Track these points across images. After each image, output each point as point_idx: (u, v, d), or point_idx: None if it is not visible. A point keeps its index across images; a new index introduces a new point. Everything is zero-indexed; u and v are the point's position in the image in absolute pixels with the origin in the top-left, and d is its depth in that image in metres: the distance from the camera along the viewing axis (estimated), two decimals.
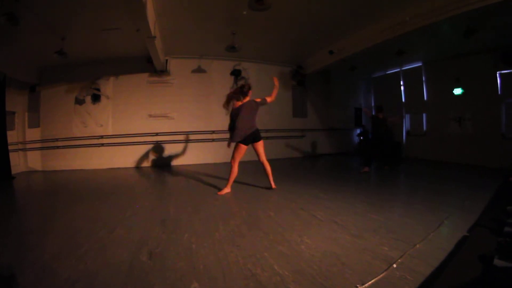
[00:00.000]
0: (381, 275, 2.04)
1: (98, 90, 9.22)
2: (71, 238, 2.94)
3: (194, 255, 2.46)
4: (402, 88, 11.11)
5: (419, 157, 10.11)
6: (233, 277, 2.07)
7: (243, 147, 4.81)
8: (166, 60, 9.23)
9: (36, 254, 2.57)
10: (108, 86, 9.28)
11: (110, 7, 5.65)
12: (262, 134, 10.23)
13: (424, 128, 10.32)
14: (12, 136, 8.33)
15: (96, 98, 9.23)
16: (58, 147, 9.08)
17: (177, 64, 9.56)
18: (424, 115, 10.32)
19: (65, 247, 2.71)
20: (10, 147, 7.81)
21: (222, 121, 9.87)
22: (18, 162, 8.64)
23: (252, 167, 7.32)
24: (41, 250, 2.66)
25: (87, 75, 9.14)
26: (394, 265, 2.17)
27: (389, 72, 11.72)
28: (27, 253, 2.60)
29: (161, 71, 9.23)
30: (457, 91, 8.91)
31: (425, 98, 10.20)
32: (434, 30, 6.55)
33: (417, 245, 2.54)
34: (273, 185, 5.10)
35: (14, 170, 7.87)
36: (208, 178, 6.66)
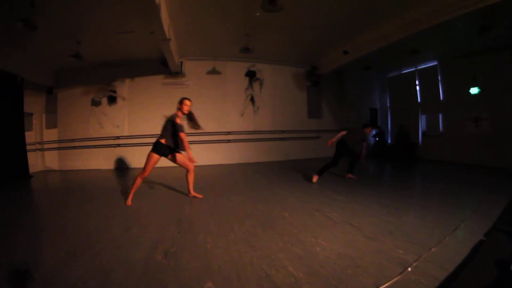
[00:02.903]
0: (395, 279, 2.03)
1: (114, 92, 9.40)
2: (87, 236, 3.02)
3: (209, 255, 2.49)
4: (417, 87, 10.93)
5: (435, 158, 9.91)
6: (248, 278, 2.09)
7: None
8: (181, 62, 9.33)
9: (51, 251, 2.66)
10: (124, 88, 9.45)
11: (124, 10, 5.76)
12: (277, 135, 10.30)
13: (440, 128, 10.12)
14: (30, 137, 8.62)
15: (112, 100, 9.42)
16: (74, 147, 9.30)
17: (192, 66, 9.63)
18: (440, 115, 10.12)
19: (80, 244, 2.78)
20: (28, 147, 8.09)
21: (237, 122, 9.94)
22: (36, 162, 8.90)
23: (264, 168, 7.33)
24: (57, 247, 2.74)
25: (103, 77, 9.32)
26: (409, 269, 2.16)
27: (404, 71, 11.53)
28: (42, 250, 2.69)
29: (176, 73, 9.33)
30: (474, 90, 8.69)
31: (441, 98, 10.00)
32: (449, 28, 6.43)
33: (433, 249, 2.51)
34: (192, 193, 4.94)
35: (32, 169, 8.14)
36: (223, 179, 6.69)
